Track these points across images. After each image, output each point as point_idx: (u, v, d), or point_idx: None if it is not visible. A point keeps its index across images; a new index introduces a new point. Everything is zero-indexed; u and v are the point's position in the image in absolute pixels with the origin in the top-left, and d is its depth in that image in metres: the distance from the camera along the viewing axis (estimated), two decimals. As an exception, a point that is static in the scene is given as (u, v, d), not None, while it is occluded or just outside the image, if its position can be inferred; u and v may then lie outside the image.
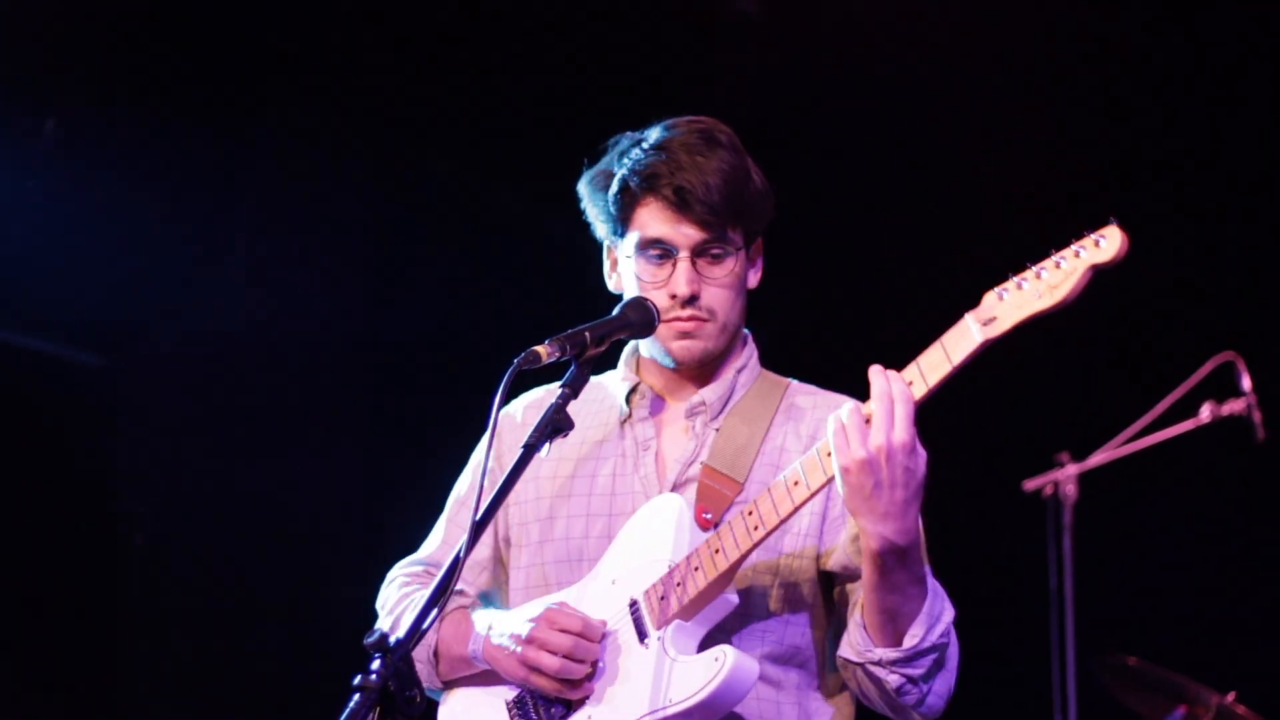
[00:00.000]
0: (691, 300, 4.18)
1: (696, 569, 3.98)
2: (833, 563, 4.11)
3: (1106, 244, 3.57)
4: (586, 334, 3.96)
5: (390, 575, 4.54)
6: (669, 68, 8.12)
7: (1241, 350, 6.99)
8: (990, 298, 3.67)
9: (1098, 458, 7.10)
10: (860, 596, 3.94)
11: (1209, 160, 7.73)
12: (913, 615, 3.82)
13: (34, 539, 7.93)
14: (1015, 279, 3.64)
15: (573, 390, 3.93)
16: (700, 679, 3.93)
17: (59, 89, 7.65)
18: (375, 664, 3.45)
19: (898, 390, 3.70)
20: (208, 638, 8.13)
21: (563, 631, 4.04)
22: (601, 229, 4.32)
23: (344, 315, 8.36)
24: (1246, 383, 6.94)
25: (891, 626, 3.84)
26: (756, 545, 3.93)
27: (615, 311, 4.10)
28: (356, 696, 3.42)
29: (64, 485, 7.98)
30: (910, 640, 3.83)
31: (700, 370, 4.28)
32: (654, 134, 4.25)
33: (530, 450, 3.82)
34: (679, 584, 4.00)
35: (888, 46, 7.86)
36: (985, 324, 3.65)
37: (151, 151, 7.80)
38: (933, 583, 3.86)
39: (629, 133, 4.32)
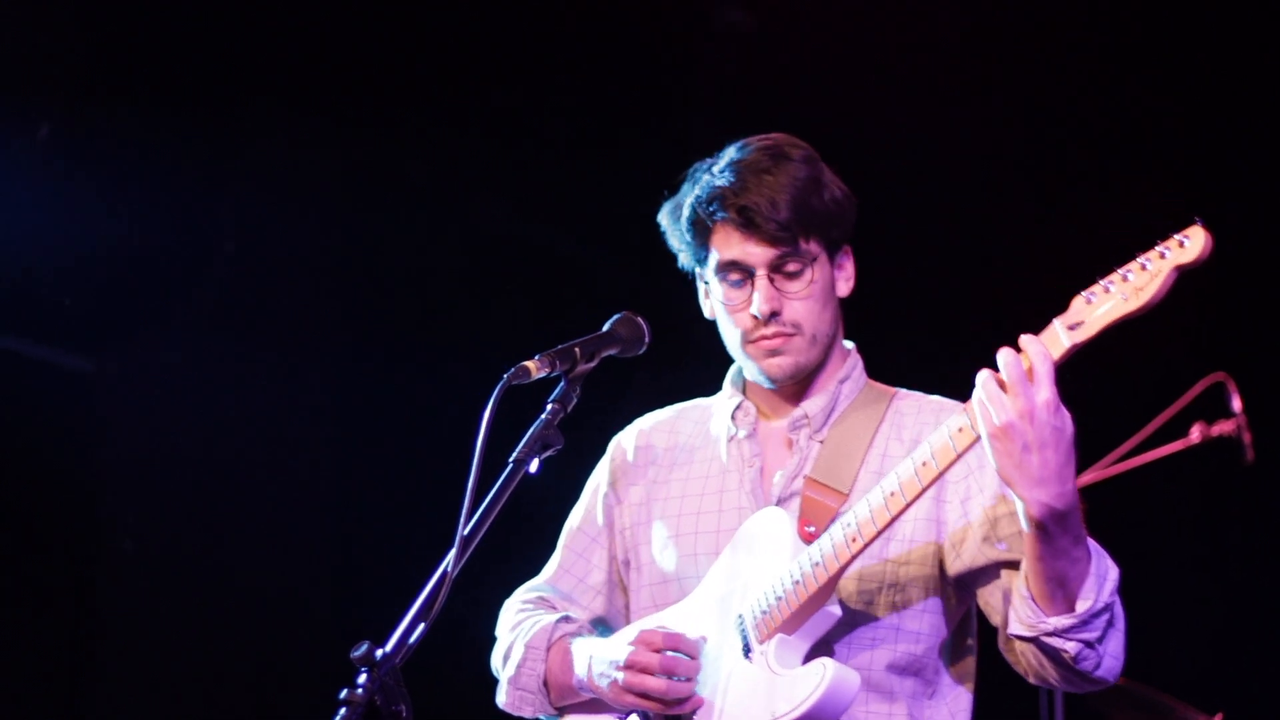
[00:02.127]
0: (773, 317, 4.20)
1: (797, 583, 4.01)
2: (965, 563, 4.10)
3: (1191, 244, 3.61)
4: (576, 350, 3.98)
5: (508, 602, 4.64)
6: (658, 76, 8.11)
7: (1232, 371, 6.98)
8: (1078, 302, 3.69)
9: (1087, 477, 7.07)
10: (1020, 571, 3.92)
11: (1203, 180, 7.72)
12: (1081, 578, 3.81)
13: (20, 546, 7.92)
14: (1101, 282, 3.66)
15: (562, 406, 3.93)
16: (803, 691, 3.96)
17: (54, 94, 7.64)
18: (361, 678, 3.45)
19: (1035, 350, 3.70)
20: (195, 644, 8.11)
21: (658, 651, 4.10)
22: (684, 258, 4.36)
23: (334, 319, 8.34)
24: (1237, 404, 6.93)
25: (1061, 593, 3.82)
26: (855, 557, 3.96)
27: (605, 327, 4.12)
28: (342, 711, 3.42)
29: (51, 491, 7.97)
30: (1083, 604, 3.82)
31: (801, 385, 4.30)
32: (724, 157, 4.28)
33: (519, 465, 3.82)
34: (780, 598, 4.03)
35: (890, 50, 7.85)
36: (1072, 328, 3.68)
37: (137, 155, 7.79)
38: (1093, 543, 3.85)
39: (706, 160, 4.34)
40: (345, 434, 8.40)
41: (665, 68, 8.12)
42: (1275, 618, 7.78)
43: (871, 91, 7.87)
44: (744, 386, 4.40)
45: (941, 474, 3.87)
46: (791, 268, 4.19)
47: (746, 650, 4.09)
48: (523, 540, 4.93)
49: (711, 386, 4.63)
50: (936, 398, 4.34)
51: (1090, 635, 3.84)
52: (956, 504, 4.15)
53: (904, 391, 4.40)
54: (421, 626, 3.58)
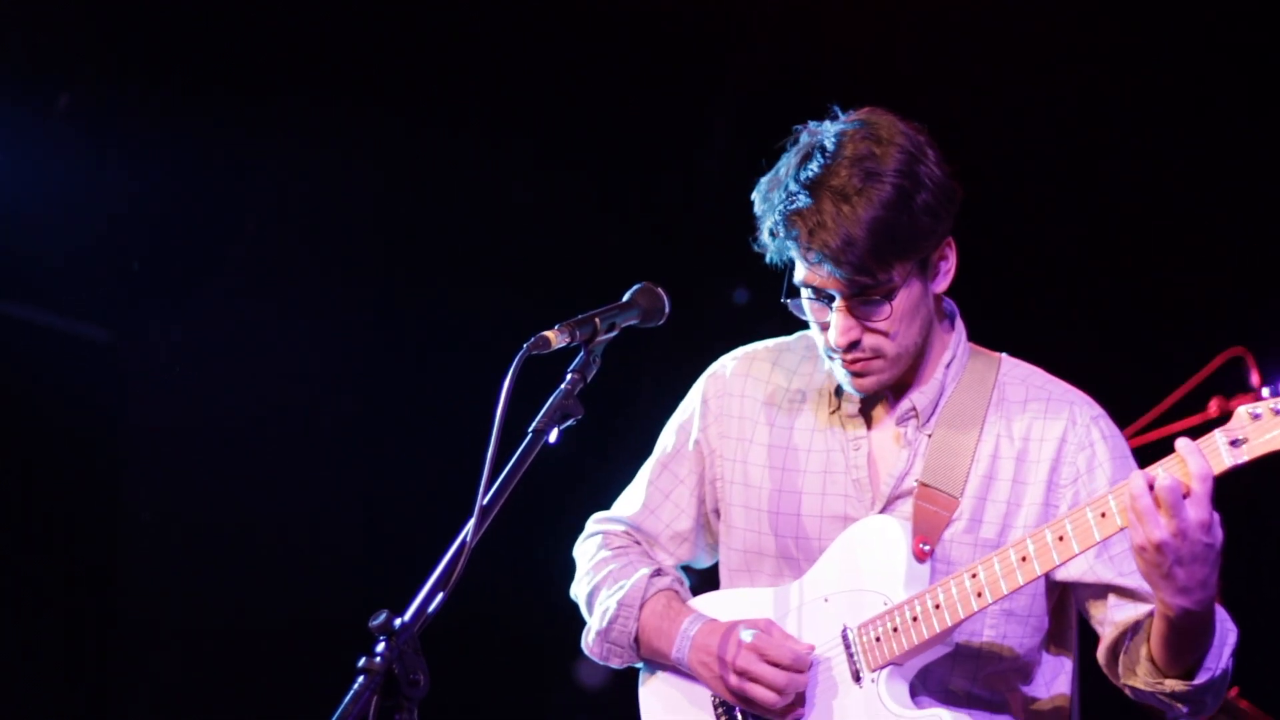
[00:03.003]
0: (853, 346, 4.07)
1: (915, 620, 4.00)
2: (1073, 574, 4.08)
3: None
4: (596, 320, 3.95)
5: (588, 527, 4.61)
6: (687, 45, 8.08)
7: (1251, 346, 6.97)
8: (1242, 414, 3.65)
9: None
10: (1142, 628, 3.94)
11: (1221, 157, 7.70)
12: (1204, 654, 3.85)
13: (39, 516, 7.93)
14: (1271, 401, 3.60)
15: (581, 375, 3.90)
16: None
17: (73, 64, 7.64)
18: (380, 646, 3.45)
19: (1196, 468, 3.64)
20: (214, 614, 8.11)
21: (774, 665, 4.07)
22: (769, 252, 4.16)
23: (354, 295, 8.34)
24: (1255, 378, 6.92)
25: (1183, 664, 3.87)
26: (978, 612, 3.95)
27: (625, 297, 4.07)
28: (360, 679, 3.42)
29: (69, 463, 7.97)
30: (1203, 677, 3.87)
31: (907, 372, 4.18)
32: (813, 158, 4.05)
33: (538, 435, 3.81)
34: (895, 629, 4.01)
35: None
36: (1234, 445, 3.64)
37: (162, 127, 7.78)
38: (1219, 612, 3.89)
39: (809, 126, 4.14)
40: (365, 405, 8.39)
41: (694, 37, 8.08)
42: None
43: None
44: None
45: (1079, 555, 3.87)
46: (872, 300, 4.04)
47: (855, 673, 4.07)
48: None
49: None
50: (1042, 377, 4.24)
51: (1206, 698, 3.92)
52: (1064, 510, 4.08)
53: (1008, 361, 4.28)
54: (440, 596, 3.57)
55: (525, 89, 8.19)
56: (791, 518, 4.26)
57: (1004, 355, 4.30)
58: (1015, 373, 4.26)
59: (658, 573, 4.41)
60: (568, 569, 8.57)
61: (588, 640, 4.49)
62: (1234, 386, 6.97)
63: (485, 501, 3.67)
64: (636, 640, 4.36)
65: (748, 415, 4.36)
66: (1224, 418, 6.89)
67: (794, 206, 4.01)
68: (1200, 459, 3.63)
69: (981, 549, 4.07)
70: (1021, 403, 4.18)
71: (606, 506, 4.71)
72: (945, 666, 4.09)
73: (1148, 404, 7.05)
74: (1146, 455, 7.05)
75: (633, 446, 8.47)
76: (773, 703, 4.07)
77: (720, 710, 4.23)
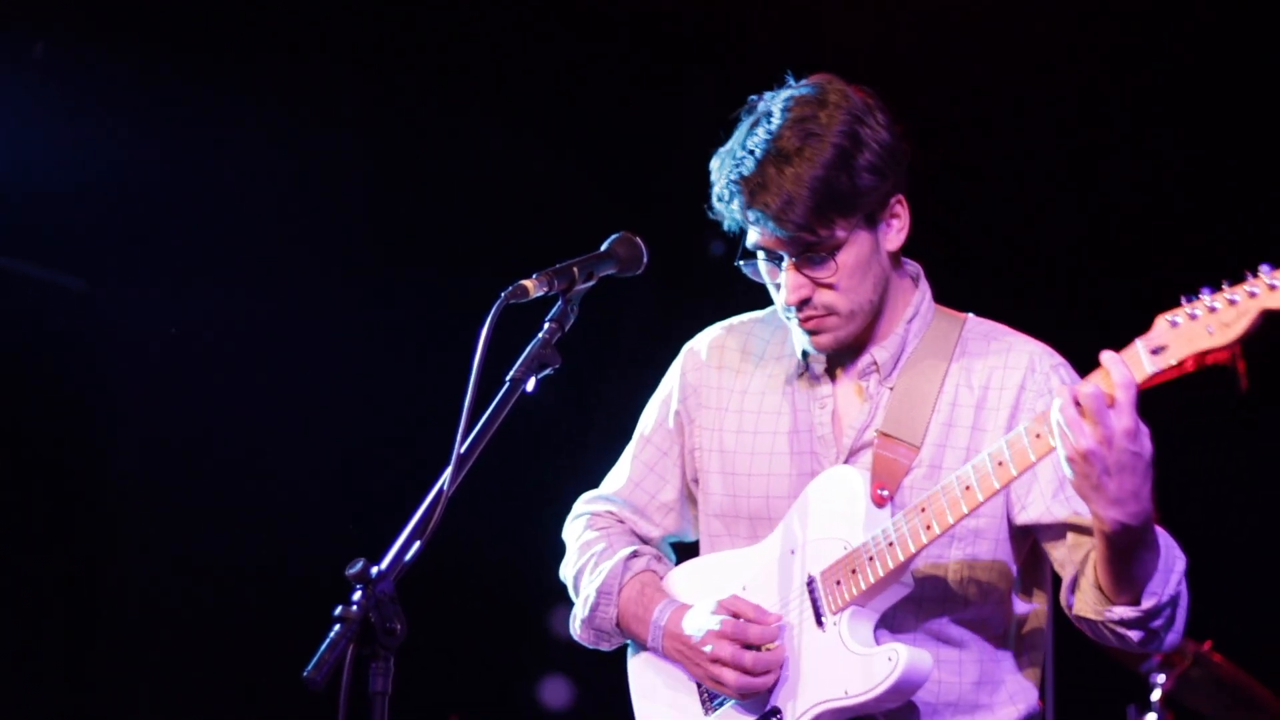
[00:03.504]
0: (804, 303, 4.14)
1: (871, 559, 4.03)
2: (1031, 516, 4.11)
3: None
4: (575, 269, 3.94)
5: (576, 508, 4.66)
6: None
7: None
8: (1161, 324, 3.65)
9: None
10: (1089, 557, 3.95)
11: (1201, 108, 7.71)
12: (1149, 575, 3.83)
13: (15, 464, 7.92)
14: (1187, 307, 3.59)
15: (559, 325, 3.90)
16: (875, 676, 4.01)
17: (49, 12, 7.60)
18: (356, 595, 3.45)
19: (1119, 377, 3.66)
20: (194, 562, 8.13)
21: (746, 646, 4.13)
22: (729, 223, 4.23)
23: (334, 245, 8.33)
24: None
25: (1128, 587, 3.85)
26: (930, 544, 3.97)
27: (604, 246, 4.07)
28: (336, 627, 3.41)
29: (48, 410, 7.96)
30: (1149, 600, 3.85)
31: (868, 328, 4.23)
32: (760, 124, 4.14)
33: (516, 384, 3.80)
34: (854, 571, 4.05)
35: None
36: (1155, 353, 3.64)
37: (140, 74, 7.76)
38: (1164, 537, 3.87)
39: (765, 95, 4.22)
40: (344, 353, 8.40)
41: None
42: (1267, 546, 7.81)
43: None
44: None
45: (1017, 476, 3.88)
46: (818, 256, 4.10)
47: (819, 618, 4.11)
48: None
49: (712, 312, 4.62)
50: (1005, 331, 4.26)
51: (1156, 625, 3.89)
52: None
53: (974, 319, 4.32)
54: (417, 544, 3.57)
55: (503, 46, 8.19)
56: (763, 478, 4.31)
57: (970, 315, 4.34)
58: (979, 329, 4.30)
59: (635, 554, 4.46)
60: (545, 520, 8.62)
61: (575, 628, 4.54)
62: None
63: (463, 450, 3.67)
64: (619, 625, 4.43)
65: (723, 385, 4.43)
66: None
67: (738, 171, 4.10)
68: (1122, 368, 3.65)
69: None
70: (983, 354, 4.22)
71: (586, 466, 4.75)
72: (911, 609, 4.13)
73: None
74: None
75: (610, 399, 8.51)
76: (745, 686, 4.13)
77: (703, 689, 4.30)
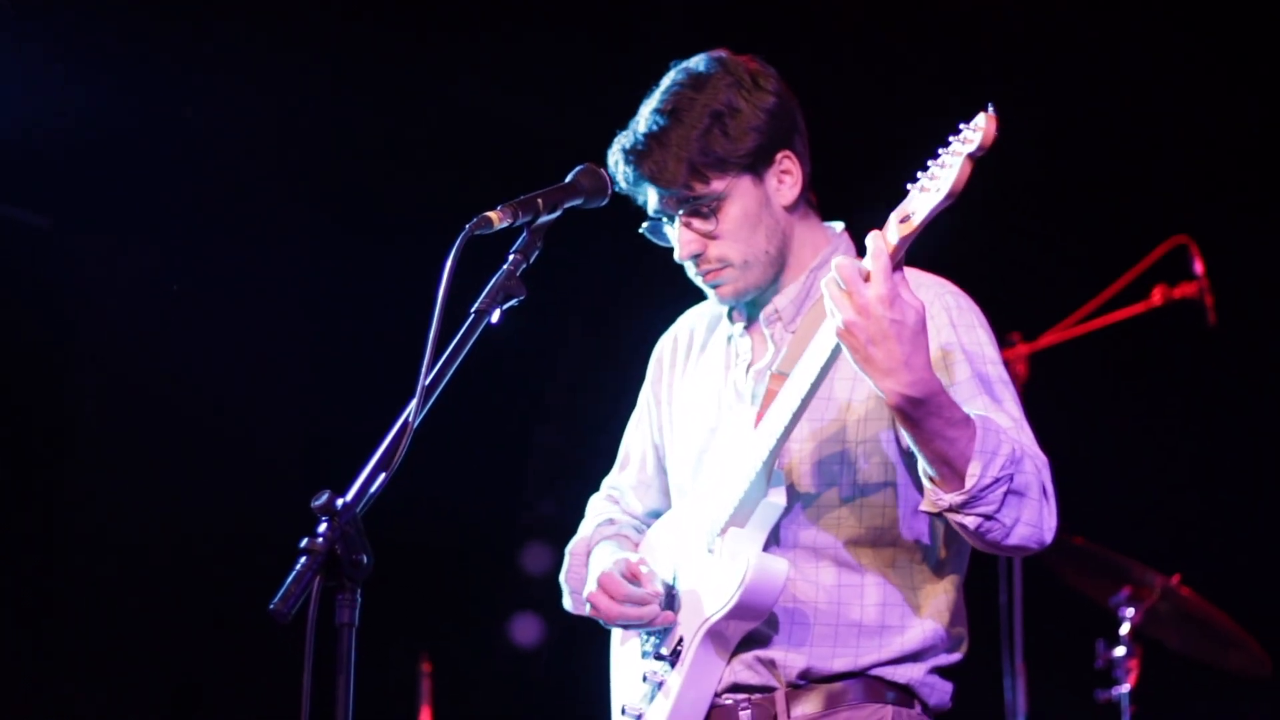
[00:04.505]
0: (697, 257, 4.30)
1: (740, 473, 4.12)
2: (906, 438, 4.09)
3: (978, 133, 3.61)
4: (539, 200, 3.94)
5: (597, 494, 4.84)
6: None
7: (1194, 234, 7.00)
8: (912, 191, 3.74)
9: (1048, 338, 7.11)
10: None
11: (1163, 40, 7.70)
12: (965, 456, 3.82)
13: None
14: (922, 177, 3.71)
15: (524, 256, 3.90)
16: (729, 586, 4.06)
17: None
18: (322, 527, 3.44)
19: (871, 247, 3.74)
20: (160, 500, 8.11)
21: (617, 599, 4.24)
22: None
23: (299, 183, 8.30)
24: (1199, 267, 6.95)
25: (951, 471, 3.85)
26: (780, 441, 4.02)
27: (569, 178, 4.07)
28: (302, 559, 3.41)
29: (8, 351, 7.92)
30: (970, 480, 3.83)
31: (774, 280, 4.36)
32: (646, 99, 4.36)
33: (480, 315, 3.80)
34: (729, 491, 4.14)
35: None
36: (903, 221, 3.74)
37: (104, 15, 7.70)
38: (983, 419, 3.87)
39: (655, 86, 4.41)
40: (309, 291, 8.38)
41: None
42: (1235, 480, 7.84)
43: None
44: None
45: (827, 364, 3.94)
46: (702, 211, 4.26)
47: (709, 547, 4.18)
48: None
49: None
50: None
51: (987, 509, 3.84)
52: None
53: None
54: (382, 476, 3.55)
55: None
56: (697, 435, 4.44)
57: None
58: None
59: (608, 522, 4.66)
60: (516, 455, 8.61)
61: (567, 602, 4.67)
62: (1178, 274, 7.01)
63: (427, 381, 3.67)
64: (573, 593, 4.60)
65: (678, 362, 4.61)
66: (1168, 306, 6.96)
67: (624, 144, 4.31)
68: (875, 240, 3.74)
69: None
70: None
71: (557, 402, 4.82)
72: (802, 531, 4.17)
73: (1091, 291, 7.09)
74: (1090, 344, 7.13)
75: (581, 332, 8.50)
76: (621, 616, 4.26)
77: (643, 634, 4.39)
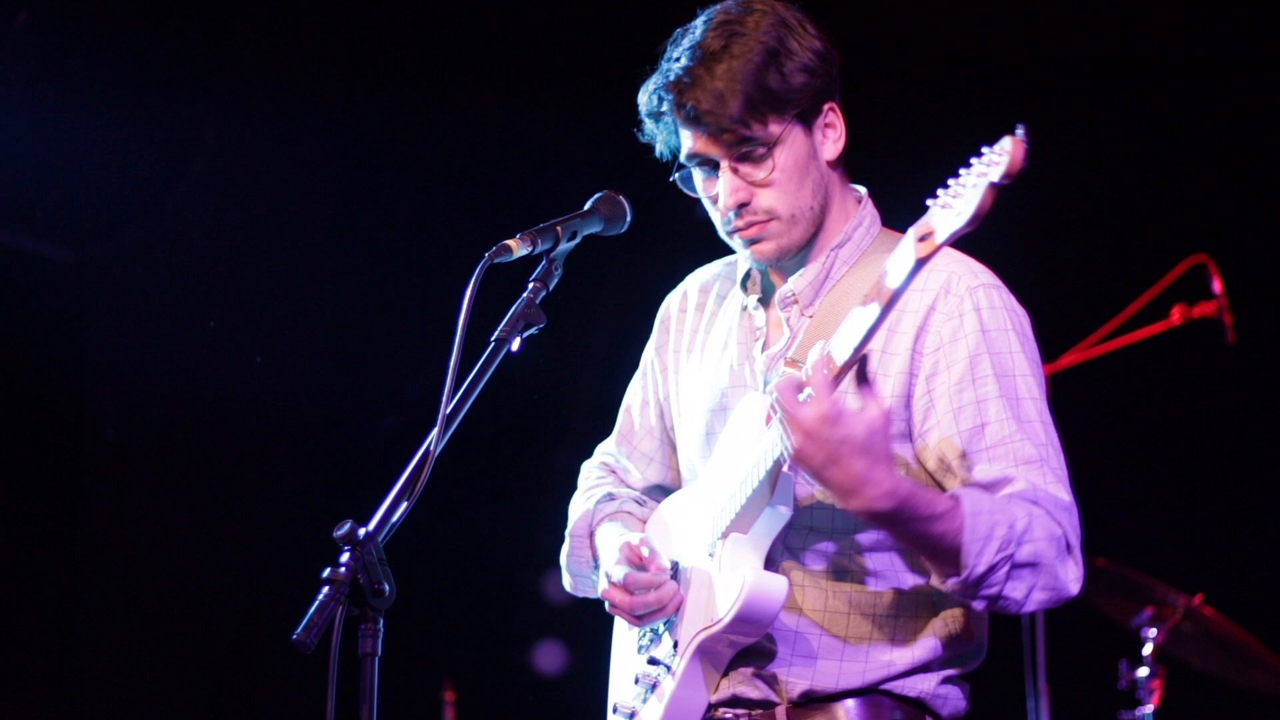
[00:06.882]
0: (743, 208, 4.06)
1: (744, 481, 3.98)
2: (931, 459, 4.01)
3: (1002, 161, 3.40)
4: (558, 228, 3.94)
5: (591, 459, 4.67)
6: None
7: (1213, 253, 6.99)
8: (933, 207, 3.55)
9: (1068, 359, 7.10)
10: None
11: (1184, 62, 7.70)
12: (956, 546, 3.74)
13: (3, 434, 7.91)
14: (943, 196, 3.52)
15: (544, 284, 3.90)
16: (724, 602, 3.97)
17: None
18: (344, 556, 3.45)
19: (809, 369, 3.68)
20: (179, 529, 8.12)
21: (627, 590, 4.12)
22: (658, 145, 4.18)
23: (316, 210, 8.32)
24: (1217, 285, 6.94)
25: (943, 559, 3.78)
26: (781, 465, 3.88)
27: (587, 205, 4.06)
28: (325, 589, 3.42)
29: (32, 381, 7.94)
30: (964, 571, 3.75)
31: (796, 256, 4.15)
32: (689, 29, 4.10)
33: (500, 344, 3.81)
34: (732, 496, 4.01)
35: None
36: (921, 240, 3.55)
37: (124, 44, 7.73)
38: (971, 500, 3.76)
39: (682, 29, 4.16)
40: (329, 318, 8.40)
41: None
42: (1255, 499, 7.82)
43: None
44: None
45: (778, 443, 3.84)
46: (755, 154, 4.03)
47: (711, 550, 4.07)
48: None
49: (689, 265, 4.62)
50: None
51: (990, 591, 3.78)
52: (922, 380, 4.02)
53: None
54: (405, 505, 3.57)
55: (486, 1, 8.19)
56: (706, 414, 4.27)
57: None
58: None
59: (609, 498, 4.46)
60: (538, 483, 8.60)
61: (567, 582, 4.56)
62: (1196, 293, 7.00)
63: (448, 410, 3.67)
64: (598, 567, 4.39)
65: (685, 329, 4.42)
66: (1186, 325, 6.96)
67: (666, 78, 4.05)
68: (818, 358, 3.67)
69: None
70: (918, 292, 4.10)
71: (576, 429, 4.77)
72: (811, 542, 4.06)
73: (1110, 311, 7.08)
74: (1110, 364, 7.12)
75: (599, 360, 8.51)
76: (634, 606, 4.13)
77: (640, 630, 4.32)
